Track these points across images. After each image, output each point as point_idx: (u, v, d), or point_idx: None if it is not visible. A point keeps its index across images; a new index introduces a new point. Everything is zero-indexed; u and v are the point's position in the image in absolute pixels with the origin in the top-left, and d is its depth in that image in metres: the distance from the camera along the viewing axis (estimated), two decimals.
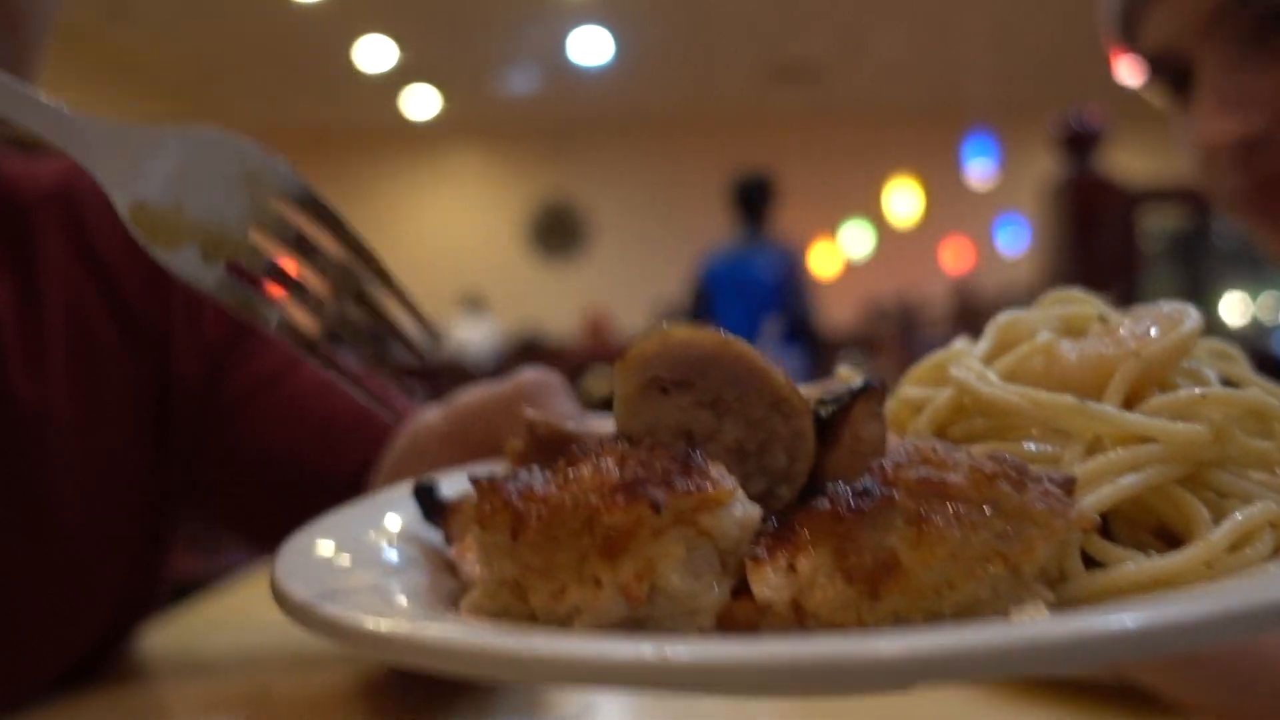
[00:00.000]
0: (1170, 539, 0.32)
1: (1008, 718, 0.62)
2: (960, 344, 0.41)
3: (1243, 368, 0.37)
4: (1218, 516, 0.31)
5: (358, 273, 0.46)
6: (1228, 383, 0.37)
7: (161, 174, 0.44)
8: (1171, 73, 0.70)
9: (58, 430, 0.71)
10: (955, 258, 10.97)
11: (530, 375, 0.52)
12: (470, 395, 0.57)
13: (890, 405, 0.38)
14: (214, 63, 9.35)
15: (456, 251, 11.67)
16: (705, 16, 8.56)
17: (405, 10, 8.24)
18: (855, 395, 0.33)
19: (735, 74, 10.14)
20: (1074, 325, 0.39)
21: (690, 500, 0.27)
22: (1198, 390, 0.33)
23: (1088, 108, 2.30)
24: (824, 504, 0.28)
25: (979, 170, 8.19)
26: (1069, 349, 0.36)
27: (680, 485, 0.27)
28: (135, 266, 0.76)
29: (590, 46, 9.36)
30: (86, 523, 0.72)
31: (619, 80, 10.32)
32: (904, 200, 9.28)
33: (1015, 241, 10.60)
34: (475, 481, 0.30)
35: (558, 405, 0.53)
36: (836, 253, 11.10)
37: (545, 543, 0.27)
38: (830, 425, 0.33)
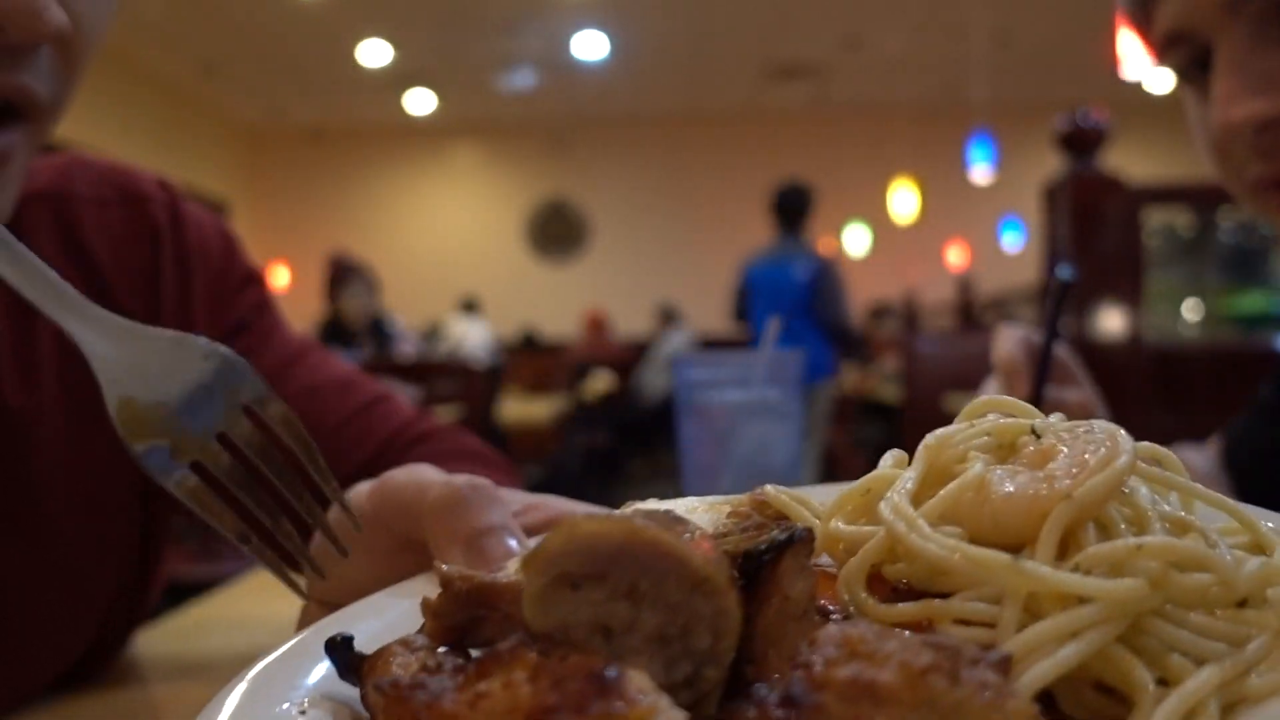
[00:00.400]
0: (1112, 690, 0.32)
1: None
2: (889, 461, 0.41)
3: (1177, 476, 0.37)
4: (1159, 669, 0.31)
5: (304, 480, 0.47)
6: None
7: (151, 374, 0.48)
8: (1188, 54, 0.69)
9: (49, 435, 0.71)
10: (955, 257, 10.97)
11: (464, 483, 0.49)
12: (402, 485, 0.53)
13: (818, 538, 0.37)
14: (214, 60, 9.36)
15: (456, 250, 11.68)
16: (705, 17, 8.57)
17: (405, 9, 8.25)
18: (781, 549, 0.32)
19: (735, 74, 10.15)
20: (1005, 440, 0.39)
21: (603, 702, 0.26)
22: (1133, 541, 0.33)
23: (1089, 107, 2.30)
24: (750, 712, 0.27)
25: (979, 170, 8.19)
26: (1000, 480, 0.36)
27: (596, 710, 0.25)
28: (126, 269, 0.77)
29: (590, 46, 9.37)
30: (80, 528, 0.72)
31: (619, 80, 10.33)
32: (904, 200, 9.28)
33: (1015, 241, 10.61)
34: (380, 690, 0.30)
35: (489, 517, 0.49)
36: (837, 252, 11.10)
37: None
38: (757, 583, 0.32)
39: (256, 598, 0.98)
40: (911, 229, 10.33)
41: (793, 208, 4.96)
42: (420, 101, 10.82)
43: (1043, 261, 2.40)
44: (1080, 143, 2.18)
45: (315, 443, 0.61)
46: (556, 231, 11.84)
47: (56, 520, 0.71)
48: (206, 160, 10.74)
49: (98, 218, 0.77)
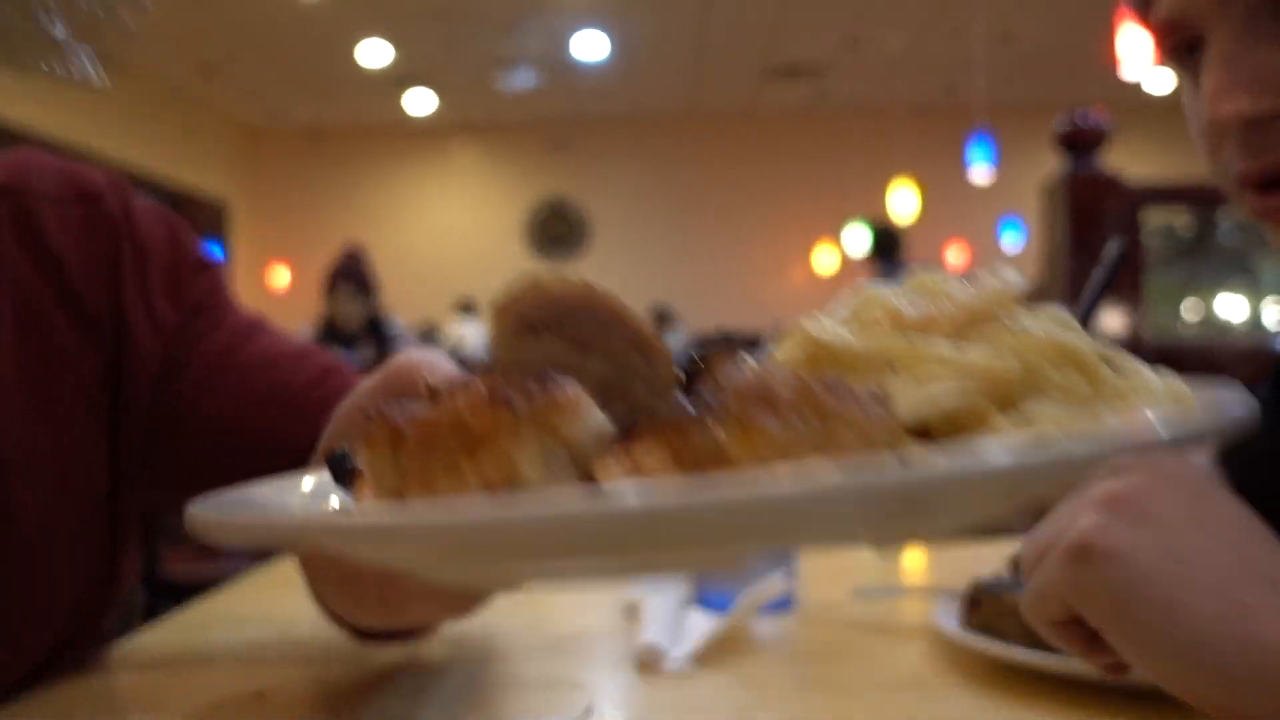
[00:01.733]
0: None
1: (1012, 718, 0.61)
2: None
3: (1078, 335, 0.40)
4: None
5: None
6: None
7: None
8: (1184, 42, 0.69)
9: (9, 422, 0.71)
10: (955, 256, 10.97)
11: (414, 352, 0.56)
12: (370, 379, 0.60)
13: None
14: (213, 61, 9.35)
15: (455, 250, 11.68)
16: (705, 17, 8.57)
17: (405, 9, 8.24)
18: (718, 349, 0.36)
19: (735, 74, 10.15)
20: (924, 291, 0.43)
21: (544, 402, 0.30)
22: (1018, 328, 0.37)
23: (1090, 107, 2.29)
24: (664, 413, 0.31)
25: (979, 170, 8.18)
26: (908, 307, 0.40)
27: (536, 392, 0.30)
28: (89, 264, 0.77)
29: (590, 46, 9.37)
30: (45, 518, 0.71)
31: (619, 80, 10.32)
32: (904, 200, 9.27)
33: (1015, 241, 10.60)
34: (364, 412, 0.33)
35: (444, 373, 0.57)
36: (837, 251, 11.10)
37: (421, 451, 0.30)
38: (693, 371, 0.36)
39: (257, 596, 0.98)
40: (911, 229, 10.33)
41: (890, 245, 5.84)
42: (420, 101, 10.81)
43: (1042, 262, 2.39)
44: (1080, 142, 2.18)
45: (271, 412, 0.69)
46: (556, 231, 11.84)
47: (20, 511, 0.70)
48: (206, 160, 10.73)
49: (58, 215, 0.77)
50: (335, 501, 0.39)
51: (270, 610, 0.90)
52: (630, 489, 0.27)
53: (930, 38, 9.12)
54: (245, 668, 0.73)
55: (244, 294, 8.35)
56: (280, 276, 11.46)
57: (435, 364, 0.58)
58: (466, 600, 0.59)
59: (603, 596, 0.89)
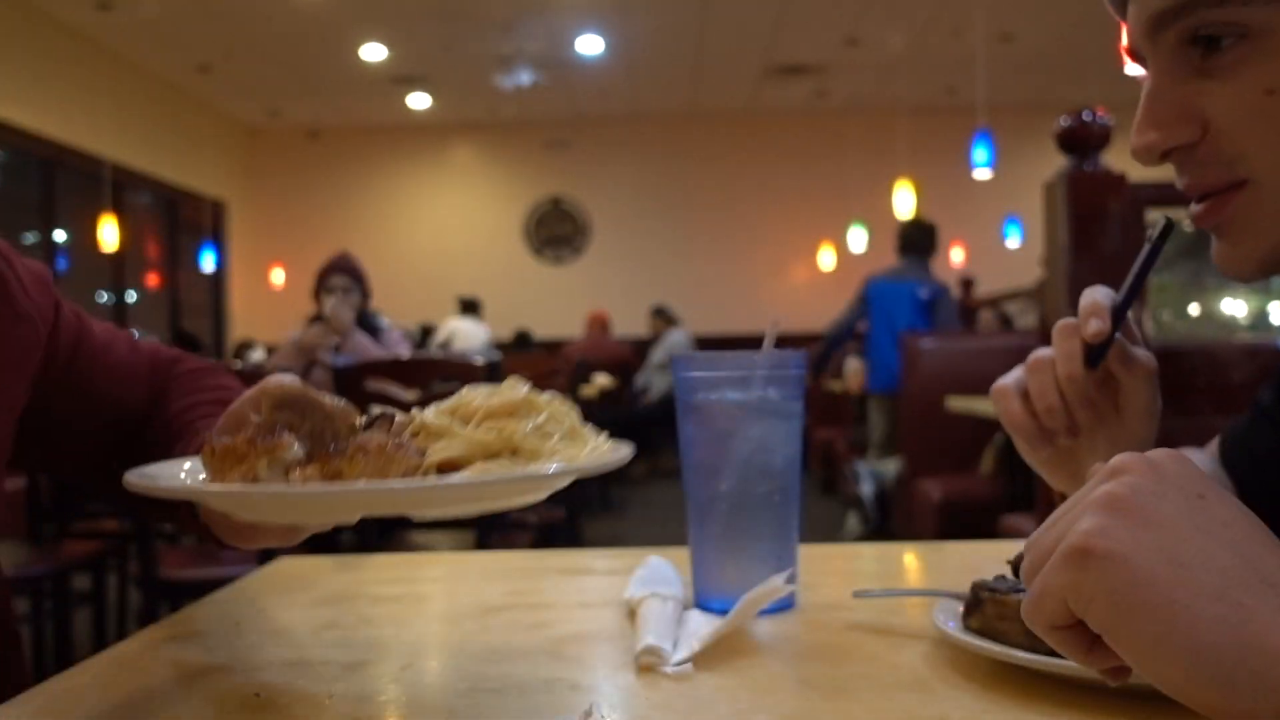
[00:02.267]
0: None
1: (1014, 718, 0.61)
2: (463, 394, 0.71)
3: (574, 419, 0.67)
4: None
5: None
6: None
7: None
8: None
9: None
10: (955, 257, 10.96)
11: (276, 376, 0.72)
12: (249, 391, 0.77)
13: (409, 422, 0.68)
14: (210, 60, 9.35)
15: (455, 250, 11.68)
16: (705, 17, 8.56)
17: (403, 9, 8.24)
18: (379, 420, 0.65)
19: (735, 74, 10.14)
20: (502, 392, 0.67)
21: (272, 443, 0.59)
22: (483, 425, 0.64)
23: (1091, 107, 2.29)
24: (328, 449, 0.60)
25: (979, 170, 8.19)
26: (480, 399, 0.66)
27: (268, 439, 0.59)
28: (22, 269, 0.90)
29: (590, 46, 9.36)
30: None
31: (619, 80, 10.32)
32: (905, 200, 9.27)
33: (1015, 241, 10.60)
34: (234, 417, 0.69)
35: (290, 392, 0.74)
36: (837, 250, 11.10)
37: (221, 460, 0.59)
38: (367, 425, 0.65)
39: (253, 598, 0.97)
40: None
41: (923, 240, 5.79)
42: (419, 101, 10.81)
43: (1046, 261, 2.39)
44: (1083, 140, 2.18)
45: (130, 383, 0.98)
46: (556, 231, 11.84)
47: None
48: (203, 160, 10.73)
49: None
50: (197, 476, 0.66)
51: (267, 612, 0.90)
52: (286, 485, 0.58)
53: (930, 38, 9.12)
54: (242, 670, 0.73)
55: (242, 292, 8.38)
56: (277, 275, 11.46)
57: (285, 384, 0.73)
58: (287, 535, 0.76)
59: (603, 598, 0.89)
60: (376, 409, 0.67)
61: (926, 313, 5.52)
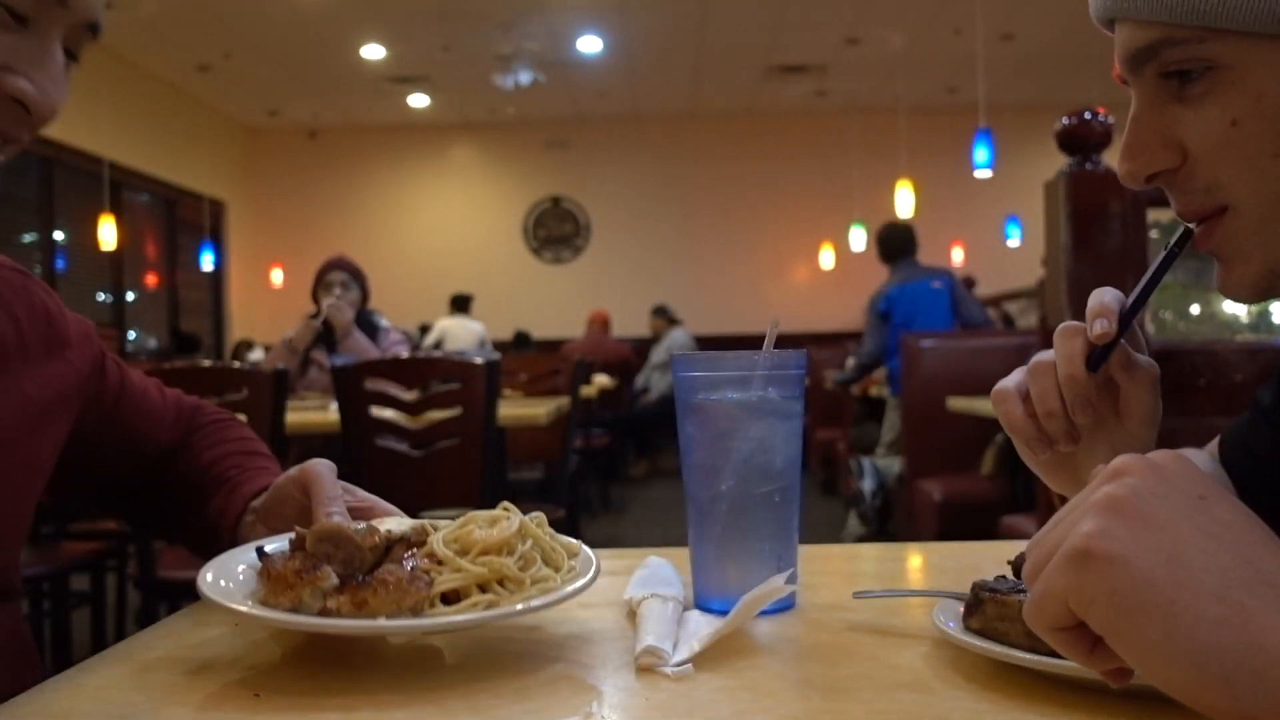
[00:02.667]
0: None
1: (1014, 718, 0.61)
2: (484, 517, 0.79)
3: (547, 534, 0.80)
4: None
5: None
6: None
7: None
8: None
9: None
10: (956, 257, 10.97)
11: (315, 462, 0.89)
12: (289, 472, 0.94)
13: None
14: (209, 60, 9.35)
15: (454, 249, 11.68)
16: (705, 17, 8.56)
17: (403, 8, 8.24)
18: (398, 542, 0.76)
19: (735, 74, 10.14)
20: (496, 519, 0.78)
21: (313, 576, 0.71)
22: (482, 559, 0.74)
23: (1092, 107, 2.29)
24: (359, 579, 0.72)
25: (980, 170, 8.19)
26: (483, 531, 0.76)
27: (310, 572, 0.71)
28: (36, 330, 0.95)
29: (590, 46, 9.36)
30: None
31: (619, 80, 10.32)
32: (905, 200, 9.27)
33: (1015, 241, 10.60)
34: (262, 556, 0.76)
35: (328, 487, 0.88)
36: (837, 250, 11.10)
37: (272, 583, 0.72)
38: (389, 553, 0.76)
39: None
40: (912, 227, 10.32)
41: (903, 242, 5.79)
42: (418, 101, 10.81)
43: (1047, 261, 2.39)
44: (1084, 140, 2.18)
45: (159, 424, 1.09)
46: (555, 231, 11.84)
47: (18, 453, 0.90)
48: (202, 160, 10.73)
49: (6, 279, 0.94)
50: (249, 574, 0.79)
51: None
52: (321, 619, 0.70)
53: (930, 38, 9.12)
54: (242, 670, 0.73)
55: (241, 292, 8.38)
56: (277, 274, 11.46)
57: (321, 474, 0.90)
58: None
59: (603, 598, 0.89)
60: (397, 529, 0.77)
61: (949, 304, 5.54)
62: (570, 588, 0.73)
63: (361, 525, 0.78)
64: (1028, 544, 0.53)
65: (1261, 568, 0.46)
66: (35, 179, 8.18)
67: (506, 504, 0.81)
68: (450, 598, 0.72)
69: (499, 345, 8.93)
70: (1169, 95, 0.69)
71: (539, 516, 0.79)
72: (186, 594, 2.66)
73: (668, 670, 0.69)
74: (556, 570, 0.76)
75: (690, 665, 0.70)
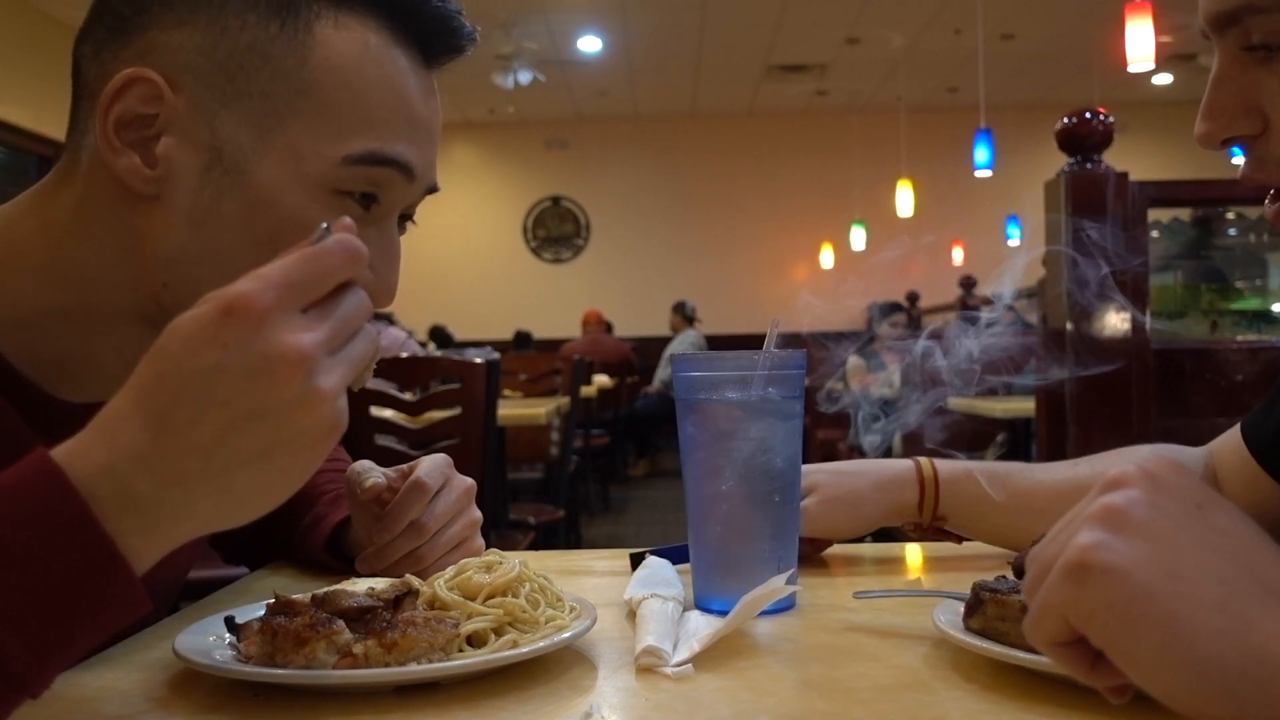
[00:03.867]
0: None
1: (1014, 718, 0.61)
2: (475, 564, 0.80)
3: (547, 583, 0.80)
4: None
5: None
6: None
7: None
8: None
9: None
10: (956, 256, 10.96)
11: (360, 464, 0.90)
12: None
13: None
14: None
15: (455, 249, 11.67)
16: (705, 17, 8.56)
17: None
18: (406, 594, 0.73)
19: (735, 74, 10.14)
20: (490, 565, 0.79)
21: (328, 630, 0.66)
22: (495, 601, 0.75)
23: (1092, 106, 2.29)
24: (381, 626, 0.69)
25: (980, 170, 8.19)
26: (481, 576, 0.77)
27: (325, 626, 0.67)
28: None
29: (590, 46, 9.36)
30: None
31: (619, 80, 10.32)
32: (905, 199, 9.28)
33: (1016, 241, 10.59)
34: (270, 606, 0.71)
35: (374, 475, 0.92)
36: (837, 250, 11.10)
37: (285, 639, 0.67)
38: (399, 600, 0.72)
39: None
40: (912, 229, 10.33)
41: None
42: None
43: (1048, 261, 2.39)
44: (1084, 140, 2.17)
45: None
46: (555, 231, 11.84)
47: None
48: None
49: None
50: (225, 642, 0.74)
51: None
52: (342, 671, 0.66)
53: (931, 37, 9.12)
54: (241, 670, 0.73)
55: None
56: None
57: (366, 472, 0.91)
58: None
59: (603, 599, 0.89)
60: (401, 586, 0.75)
61: None
62: (585, 623, 0.74)
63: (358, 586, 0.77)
64: (1027, 557, 0.53)
65: (1261, 576, 0.45)
66: (35, 178, 8.14)
67: (495, 550, 0.83)
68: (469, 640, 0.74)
69: (498, 345, 8.93)
70: (1254, 60, 0.67)
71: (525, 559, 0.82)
72: (188, 594, 2.66)
73: (668, 670, 0.69)
74: (552, 607, 0.78)
75: (690, 665, 0.70)
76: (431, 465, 0.89)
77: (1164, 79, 9.90)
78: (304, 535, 1.04)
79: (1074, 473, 1.02)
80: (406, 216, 0.82)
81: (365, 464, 0.91)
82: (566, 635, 0.72)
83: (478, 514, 0.94)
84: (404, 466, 0.91)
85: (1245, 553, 0.47)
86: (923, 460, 1.06)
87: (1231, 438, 0.99)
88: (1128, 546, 0.46)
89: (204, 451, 0.51)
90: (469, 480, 0.91)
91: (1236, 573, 0.45)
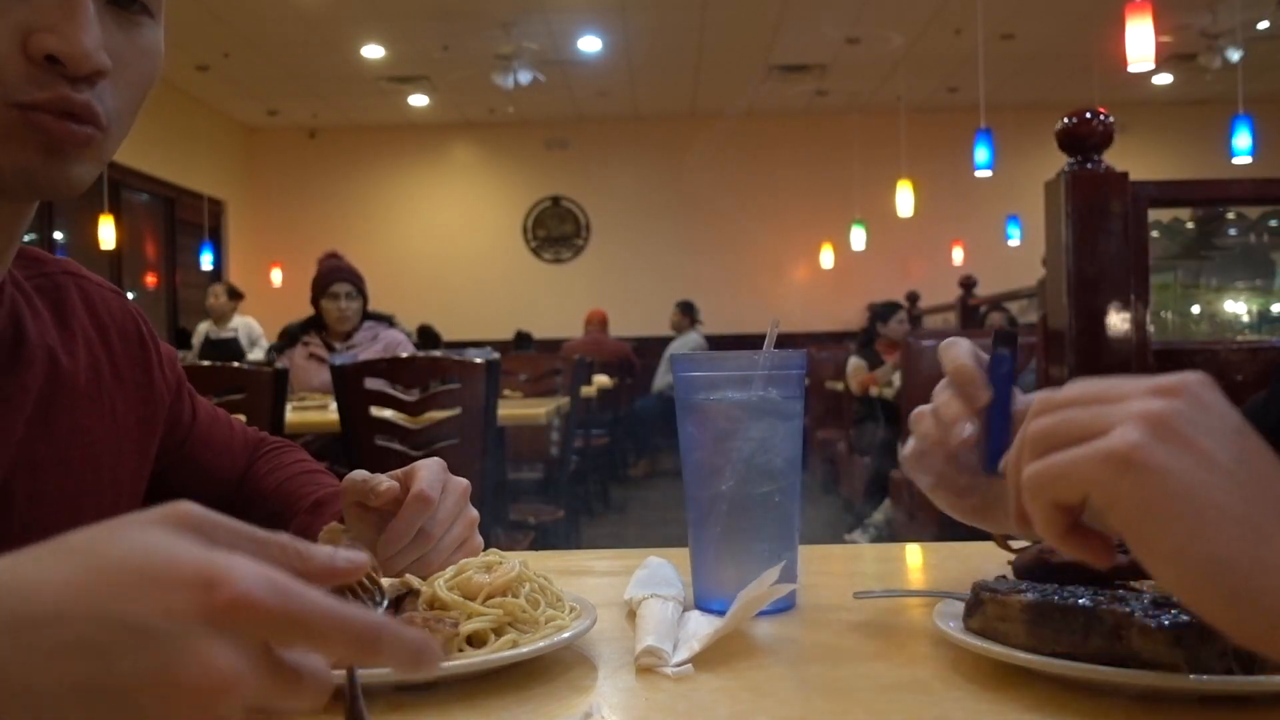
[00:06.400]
0: None
1: (1014, 718, 0.61)
2: (476, 563, 0.79)
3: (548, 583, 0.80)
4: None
5: None
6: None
7: None
8: None
9: (86, 393, 0.89)
10: (957, 256, 10.97)
11: (357, 474, 0.87)
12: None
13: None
14: (209, 60, 9.35)
15: (455, 249, 11.67)
16: (705, 17, 8.56)
17: (403, 7, 8.23)
18: (408, 594, 0.76)
19: (735, 74, 10.14)
20: (490, 565, 0.78)
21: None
22: (496, 600, 0.74)
23: (1092, 106, 2.29)
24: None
25: (980, 169, 8.19)
26: (481, 576, 0.76)
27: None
28: (129, 350, 0.97)
29: (590, 46, 9.36)
30: (116, 485, 0.92)
31: (619, 80, 10.32)
32: (905, 199, 9.28)
33: (1016, 241, 10.60)
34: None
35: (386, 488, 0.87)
36: (838, 251, 11.10)
37: None
38: (399, 600, 0.75)
39: None
40: (912, 229, 10.33)
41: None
42: (418, 100, 10.81)
43: (1048, 262, 2.39)
44: (1084, 140, 2.17)
45: (227, 455, 1.08)
46: (555, 231, 11.84)
47: (106, 474, 0.90)
48: (202, 160, 10.73)
49: (105, 300, 0.95)
50: None
51: None
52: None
53: (931, 37, 9.12)
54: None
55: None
56: (276, 274, 11.45)
57: (373, 478, 0.87)
58: None
59: (602, 599, 0.89)
60: (401, 586, 0.77)
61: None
62: (585, 623, 0.75)
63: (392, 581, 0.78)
64: (1039, 400, 0.56)
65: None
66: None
67: (495, 550, 0.83)
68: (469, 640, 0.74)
69: (499, 345, 8.93)
70: None
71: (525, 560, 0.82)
72: None
73: (668, 670, 0.69)
74: (552, 607, 0.78)
75: (690, 665, 0.70)
76: (431, 475, 0.89)
77: (1164, 79, 9.90)
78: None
79: None
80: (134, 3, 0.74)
81: (362, 473, 0.92)
82: (566, 635, 0.72)
83: (474, 513, 0.94)
84: (400, 473, 0.91)
85: (1269, 476, 0.51)
86: None
87: None
88: (1169, 453, 0.49)
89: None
90: (464, 481, 0.92)
91: (1261, 493, 0.50)
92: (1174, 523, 0.48)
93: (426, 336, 9.00)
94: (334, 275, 3.99)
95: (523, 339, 9.82)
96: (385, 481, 0.90)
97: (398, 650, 0.42)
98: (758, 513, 0.85)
